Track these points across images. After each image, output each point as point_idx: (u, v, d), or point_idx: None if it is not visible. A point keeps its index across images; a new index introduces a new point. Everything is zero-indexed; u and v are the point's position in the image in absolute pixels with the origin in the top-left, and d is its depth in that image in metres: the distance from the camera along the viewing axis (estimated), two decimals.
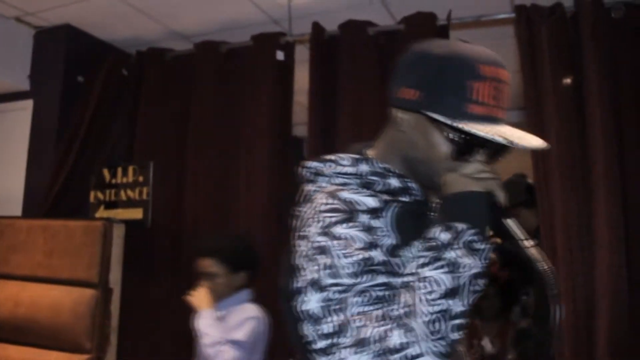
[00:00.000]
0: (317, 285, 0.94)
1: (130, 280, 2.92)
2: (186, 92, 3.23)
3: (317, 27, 2.90)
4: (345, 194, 1.02)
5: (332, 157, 1.13)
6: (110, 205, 3.19)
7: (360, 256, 0.94)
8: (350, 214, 0.99)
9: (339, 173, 1.10)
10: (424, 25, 2.72)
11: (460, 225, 0.95)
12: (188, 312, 2.99)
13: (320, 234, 0.97)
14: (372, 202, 1.03)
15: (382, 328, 0.88)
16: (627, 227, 2.37)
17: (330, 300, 0.92)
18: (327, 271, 0.93)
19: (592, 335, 2.35)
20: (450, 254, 0.92)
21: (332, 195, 1.02)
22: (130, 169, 3.16)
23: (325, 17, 2.97)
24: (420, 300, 0.89)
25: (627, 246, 2.36)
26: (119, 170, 3.17)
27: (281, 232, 2.93)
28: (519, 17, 2.58)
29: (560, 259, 2.36)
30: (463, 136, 1.00)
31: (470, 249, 0.93)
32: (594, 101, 2.42)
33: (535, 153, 2.49)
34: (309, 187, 1.11)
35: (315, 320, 0.93)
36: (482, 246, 0.95)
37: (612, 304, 2.32)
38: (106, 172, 3.21)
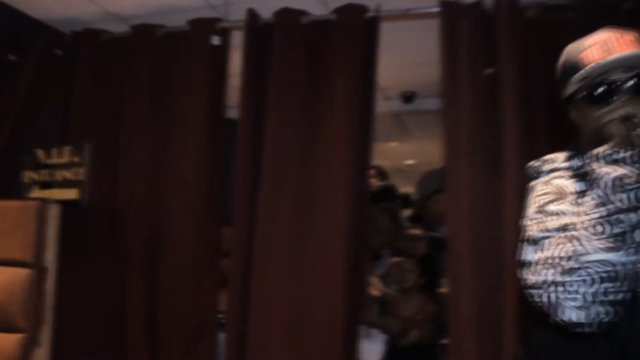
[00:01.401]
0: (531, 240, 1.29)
1: (67, 260, 2.95)
2: (121, 74, 3.24)
3: (252, 13, 2.98)
4: (557, 181, 1.35)
5: (550, 156, 1.47)
6: (45, 185, 3.19)
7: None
8: (559, 195, 1.30)
9: (554, 168, 1.42)
10: (355, 16, 2.85)
11: (596, 150, 1.21)
12: (123, 292, 3.07)
13: (536, 212, 1.31)
14: (578, 186, 1.32)
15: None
16: None
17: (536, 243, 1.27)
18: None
19: (499, 312, 2.58)
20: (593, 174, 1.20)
21: (546, 183, 1.36)
22: (66, 150, 3.17)
23: (261, 3, 3.05)
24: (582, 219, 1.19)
25: None
26: (54, 151, 3.18)
27: (213, 212, 3.04)
28: (443, 12, 2.75)
29: (469, 238, 2.58)
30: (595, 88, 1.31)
31: (606, 161, 1.18)
32: (508, 93, 2.61)
33: (447, 137, 2.68)
34: (532, 183, 1.45)
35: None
36: (618, 156, 1.17)
37: (518, 279, 2.56)
38: (40, 153, 3.20)
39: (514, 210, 2.55)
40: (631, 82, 1.27)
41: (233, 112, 3.49)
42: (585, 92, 1.33)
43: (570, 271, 1.15)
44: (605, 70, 1.28)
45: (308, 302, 2.83)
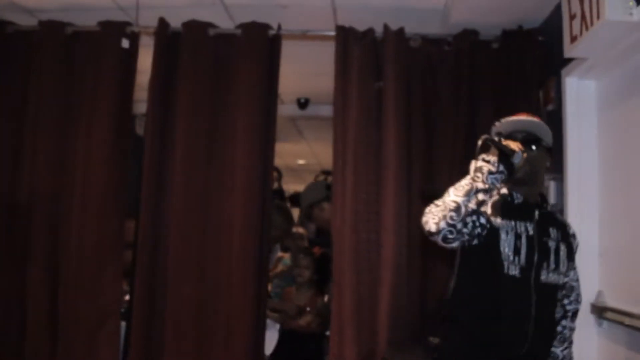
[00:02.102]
0: None
1: None
2: (27, 69, 3.26)
3: (162, 22, 3.15)
4: None
5: None
6: None
7: None
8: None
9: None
10: (258, 33, 3.10)
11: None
12: (23, 286, 3.11)
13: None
14: None
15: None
16: (409, 216, 3.00)
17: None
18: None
19: (376, 304, 2.95)
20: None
21: None
22: None
23: (171, 12, 3.20)
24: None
25: (407, 230, 3.00)
26: None
27: (117, 204, 3.18)
28: (338, 36, 3.07)
29: (350, 240, 2.93)
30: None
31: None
32: (390, 109, 3.00)
33: (336, 145, 3.04)
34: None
35: None
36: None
37: (393, 277, 2.95)
38: None
39: (392, 215, 2.94)
40: None
41: (143, 107, 3.59)
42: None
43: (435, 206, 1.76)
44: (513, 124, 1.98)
45: (214, 294, 3.07)
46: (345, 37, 3.06)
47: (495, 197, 1.89)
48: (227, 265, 3.04)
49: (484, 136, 1.85)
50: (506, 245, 1.84)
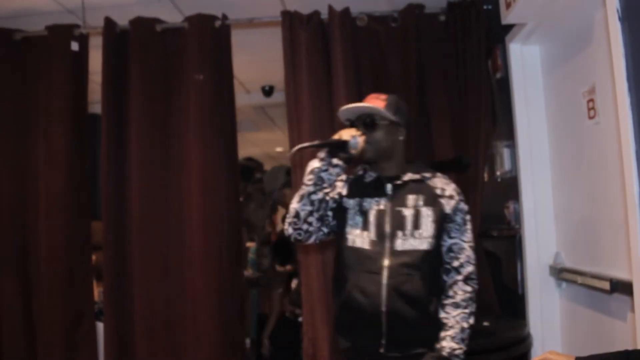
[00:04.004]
0: None
1: None
2: None
3: (108, 21, 3.15)
4: None
5: None
6: None
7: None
8: None
9: None
10: (205, 24, 3.11)
11: None
12: None
13: None
14: None
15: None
16: None
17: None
18: None
19: None
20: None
21: None
22: None
23: (120, 10, 3.21)
24: None
25: None
26: None
27: (81, 207, 3.20)
28: (284, 21, 3.07)
29: None
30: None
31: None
32: (340, 86, 3.01)
33: (291, 131, 3.06)
34: None
35: None
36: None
37: None
38: None
39: None
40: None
41: (98, 107, 3.62)
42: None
43: None
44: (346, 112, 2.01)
45: (183, 293, 3.10)
46: (291, 21, 3.06)
47: (337, 172, 1.96)
48: (189, 265, 3.08)
49: (298, 146, 2.04)
50: (351, 222, 1.97)
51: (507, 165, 2.97)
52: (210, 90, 3.12)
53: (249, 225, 3.77)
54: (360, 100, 2.01)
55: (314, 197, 1.91)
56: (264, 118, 6.08)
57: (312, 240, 1.98)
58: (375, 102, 1.98)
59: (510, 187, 2.94)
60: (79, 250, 3.18)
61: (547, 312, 2.75)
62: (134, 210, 3.10)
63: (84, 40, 3.23)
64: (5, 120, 3.22)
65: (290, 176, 3.17)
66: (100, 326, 3.22)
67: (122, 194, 3.13)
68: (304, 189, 1.91)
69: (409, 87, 3.05)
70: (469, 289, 1.93)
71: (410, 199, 1.96)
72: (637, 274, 1.72)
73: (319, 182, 1.90)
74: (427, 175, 2.02)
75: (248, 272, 3.80)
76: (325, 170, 1.90)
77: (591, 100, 2.30)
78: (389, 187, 1.98)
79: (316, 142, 1.95)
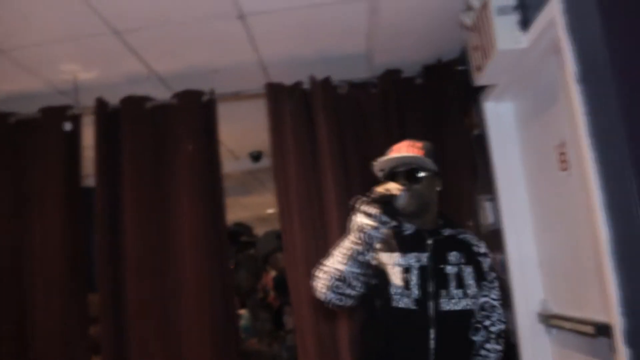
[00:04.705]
0: None
1: None
2: None
3: (100, 102, 3.29)
4: None
5: None
6: None
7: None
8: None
9: None
10: (193, 99, 3.25)
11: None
12: None
13: None
14: None
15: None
16: None
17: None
18: None
19: (338, 350, 3.02)
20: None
21: None
22: None
23: (111, 90, 3.34)
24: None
25: None
26: None
27: (78, 280, 3.24)
28: (268, 93, 3.22)
29: (306, 289, 3.04)
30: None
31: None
32: (325, 156, 3.13)
33: (280, 201, 3.14)
34: None
35: None
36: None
37: (350, 319, 3.01)
38: None
39: None
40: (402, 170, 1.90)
41: (91, 180, 3.69)
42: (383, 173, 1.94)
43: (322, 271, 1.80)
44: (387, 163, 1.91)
45: None
46: (275, 93, 3.21)
47: (385, 231, 1.81)
48: (188, 335, 3.11)
49: (356, 199, 1.84)
50: (394, 280, 1.82)
51: (490, 218, 3.07)
52: (198, 159, 3.23)
53: (240, 292, 3.81)
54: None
55: (361, 258, 1.74)
56: (253, 182, 6.21)
57: (349, 304, 1.80)
58: (414, 152, 1.90)
59: (494, 239, 3.02)
60: (76, 325, 3.19)
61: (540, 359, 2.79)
62: (130, 281, 3.14)
63: (76, 120, 3.35)
64: (1, 200, 3.29)
65: (281, 239, 3.24)
66: None
67: (118, 265, 3.18)
68: (352, 249, 1.74)
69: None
70: (499, 347, 1.91)
71: (452, 255, 1.89)
72: (614, 317, 1.79)
73: (369, 241, 1.74)
74: (460, 229, 1.99)
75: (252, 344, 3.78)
76: (377, 229, 1.75)
77: (563, 153, 2.43)
78: (429, 241, 1.89)
79: (371, 197, 1.78)
